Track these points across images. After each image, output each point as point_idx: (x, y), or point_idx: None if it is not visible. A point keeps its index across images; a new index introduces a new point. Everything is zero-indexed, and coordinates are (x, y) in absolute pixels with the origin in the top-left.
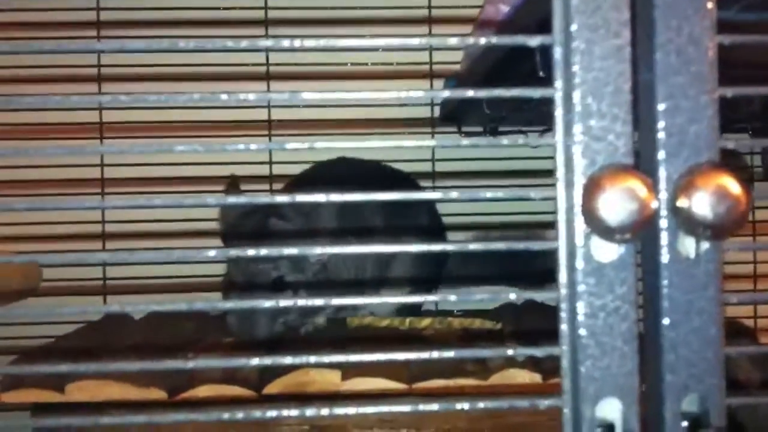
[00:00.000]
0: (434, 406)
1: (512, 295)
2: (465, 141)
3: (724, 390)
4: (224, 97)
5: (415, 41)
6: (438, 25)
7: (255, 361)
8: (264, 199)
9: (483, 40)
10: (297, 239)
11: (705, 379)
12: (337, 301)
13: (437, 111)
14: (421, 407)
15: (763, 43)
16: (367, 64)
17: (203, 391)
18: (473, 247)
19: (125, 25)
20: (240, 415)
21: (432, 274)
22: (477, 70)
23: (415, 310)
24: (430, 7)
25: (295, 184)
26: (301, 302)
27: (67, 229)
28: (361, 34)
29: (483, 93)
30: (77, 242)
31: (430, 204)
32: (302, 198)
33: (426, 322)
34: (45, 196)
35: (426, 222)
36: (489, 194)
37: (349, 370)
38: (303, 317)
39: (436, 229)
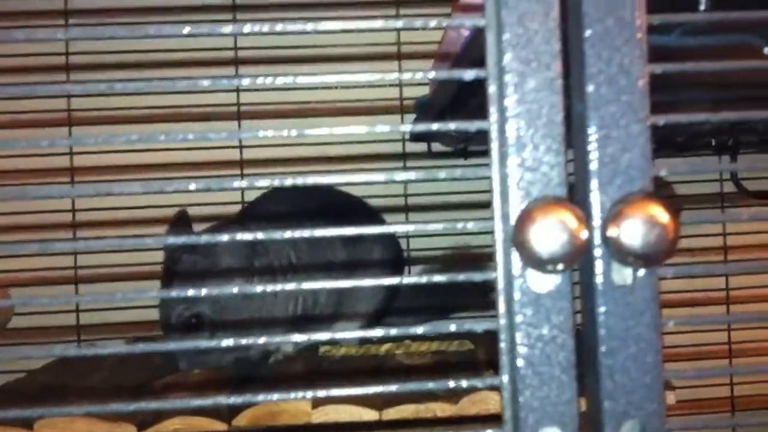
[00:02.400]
0: None
1: (452, 327)
2: (411, 174)
3: (664, 415)
4: (190, 136)
5: (365, 77)
6: (407, 56)
7: (222, 399)
8: (206, 238)
9: (420, 74)
10: (212, 275)
11: (644, 405)
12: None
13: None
14: None
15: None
16: (336, 88)
17: (173, 423)
18: (408, 281)
19: (94, 62)
20: None
21: (387, 306)
22: (441, 95)
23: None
24: (399, 31)
25: (242, 215)
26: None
27: (39, 263)
28: (332, 63)
29: (421, 127)
30: (49, 276)
31: (389, 234)
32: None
33: (402, 347)
34: (14, 232)
35: (381, 252)
36: (430, 227)
37: (320, 398)
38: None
39: (393, 259)
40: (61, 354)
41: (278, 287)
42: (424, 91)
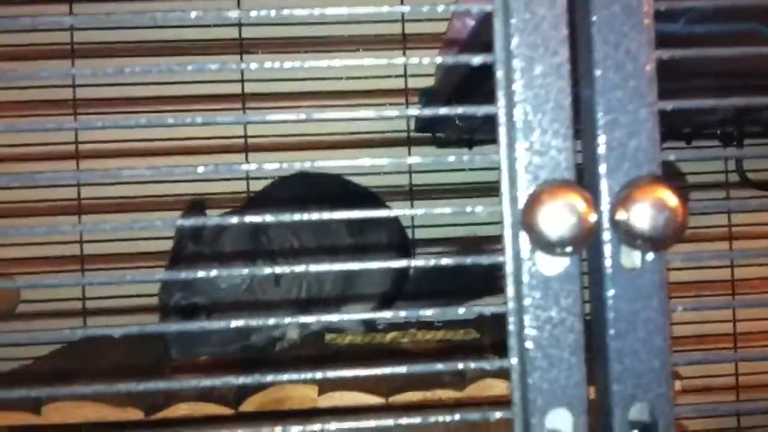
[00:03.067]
0: (388, 422)
1: (461, 310)
2: (420, 159)
3: (672, 399)
4: (199, 120)
5: (371, 62)
6: (413, 41)
7: (230, 380)
8: (215, 219)
9: (428, 60)
10: (214, 265)
11: (653, 388)
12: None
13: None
14: (366, 424)
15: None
16: (342, 78)
17: (180, 409)
18: (417, 263)
19: (100, 48)
20: None
21: (395, 290)
22: (447, 84)
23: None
24: (403, 21)
25: (248, 205)
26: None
27: (45, 251)
28: (336, 51)
29: (429, 111)
30: (55, 263)
31: (393, 220)
32: (254, 219)
33: (407, 335)
34: (21, 218)
35: (387, 238)
36: (437, 210)
37: (325, 385)
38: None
39: (399, 245)
40: (69, 337)
41: (276, 272)
42: (429, 82)
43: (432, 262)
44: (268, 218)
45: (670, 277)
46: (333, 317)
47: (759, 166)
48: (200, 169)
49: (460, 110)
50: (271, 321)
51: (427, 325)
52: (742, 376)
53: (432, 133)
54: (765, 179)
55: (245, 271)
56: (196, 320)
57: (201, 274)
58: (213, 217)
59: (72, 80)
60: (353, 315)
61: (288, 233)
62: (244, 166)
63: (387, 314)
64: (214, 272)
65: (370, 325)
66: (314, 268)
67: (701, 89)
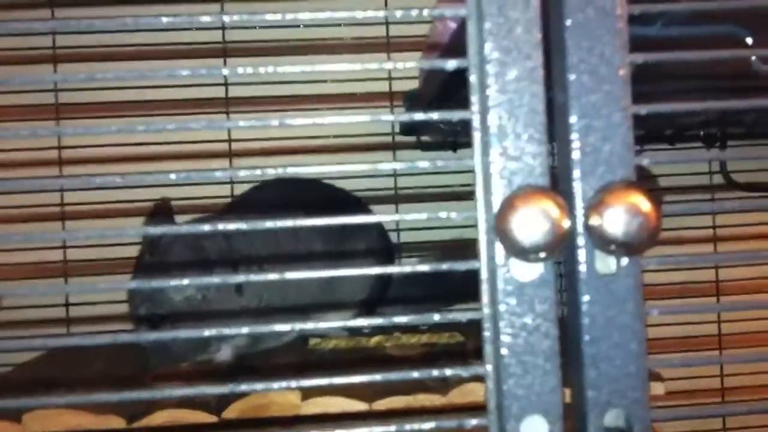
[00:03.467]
0: (367, 430)
1: (436, 317)
2: (395, 164)
3: (648, 404)
4: (170, 126)
5: (351, 67)
6: (398, 45)
7: (209, 390)
8: (186, 228)
9: (402, 64)
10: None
11: (628, 394)
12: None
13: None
14: None
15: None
16: (327, 82)
17: (162, 416)
18: (393, 270)
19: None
20: None
21: (376, 296)
22: (429, 88)
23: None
24: (387, 24)
25: (227, 209)
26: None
27: (28, 257)
28: (322, 55)
29: (404, 117)
30: (38, 270)
31: (375, 224)
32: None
33: (392, 339)
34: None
35: (366, 244)
36: (411, 215)
37: (308, 391)
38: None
39: (380, 251)
40: (50, 344)
41: (231, 282)
42: (415, 84)
43: (407, 269)
44: (208, 227)
45: (655, 279)
46: (304, 326)
47: (743, 167)
48: (172, 176)
49: (435, 115)
50: (267, 329)
51: (411, 328)
52: (728, 377)
53: (417, 136)
54: (750, 181)
55: (189, 281)
56: (160, 330)
57: (155, 284)
58: (162, 227)
59: (54, 85)
60: (325, 323)
61: (256, 240)
62: (218, 174)
63: (359, 322)
64: (168, 283)
65: (354, 330)
66: (252, 277)
67: (684, 91)
